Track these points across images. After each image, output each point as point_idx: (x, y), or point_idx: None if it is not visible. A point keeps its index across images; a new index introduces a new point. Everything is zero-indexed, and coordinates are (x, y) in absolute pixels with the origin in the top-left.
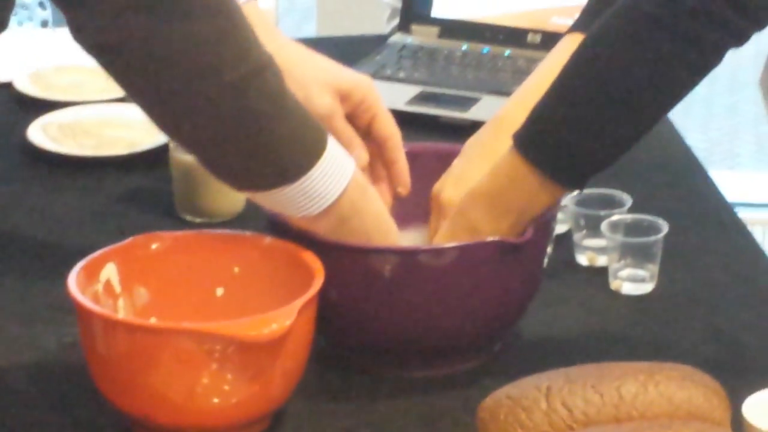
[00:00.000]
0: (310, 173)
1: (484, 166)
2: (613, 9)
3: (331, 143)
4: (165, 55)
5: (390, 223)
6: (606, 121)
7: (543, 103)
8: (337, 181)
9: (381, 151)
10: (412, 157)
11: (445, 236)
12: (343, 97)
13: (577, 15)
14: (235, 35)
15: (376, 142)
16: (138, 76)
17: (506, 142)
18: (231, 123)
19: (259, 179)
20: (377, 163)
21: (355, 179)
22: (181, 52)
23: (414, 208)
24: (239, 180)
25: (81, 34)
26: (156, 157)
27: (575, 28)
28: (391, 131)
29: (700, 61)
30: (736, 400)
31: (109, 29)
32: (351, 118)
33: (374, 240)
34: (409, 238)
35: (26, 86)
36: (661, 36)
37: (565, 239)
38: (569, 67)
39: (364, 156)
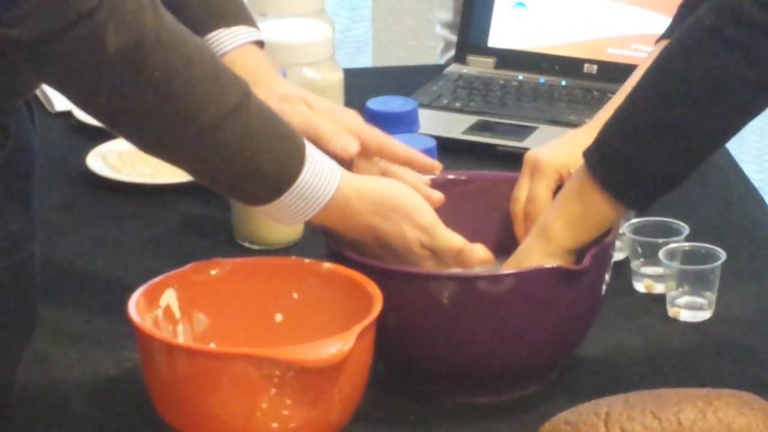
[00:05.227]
0: (300, 178)
1: (584, 142)
2: (673, 32)
3: (310, 147)
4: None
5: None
6: (669, 140)
7: (610, 121)
8: (329, 171)
9: (378, 150)
10: (469, 184)
11: (527, 245)
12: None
13: (633, 45)
14: (212, 76)
15: (362, 148)
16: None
17: None
18: (213, 159)
19: (254, 198)
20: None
21: (344, 170)
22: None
23: (475, 236)
24: (242, 200)
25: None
26: None
27: (665, 36)
28: (363, 126)
29: (762, 76)
30: None
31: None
32: None
33: (385, 213)
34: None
35: (85, 114)
36: (721, 50)
37: (623, 266)
38: (636, 87)
39: (353, 143)
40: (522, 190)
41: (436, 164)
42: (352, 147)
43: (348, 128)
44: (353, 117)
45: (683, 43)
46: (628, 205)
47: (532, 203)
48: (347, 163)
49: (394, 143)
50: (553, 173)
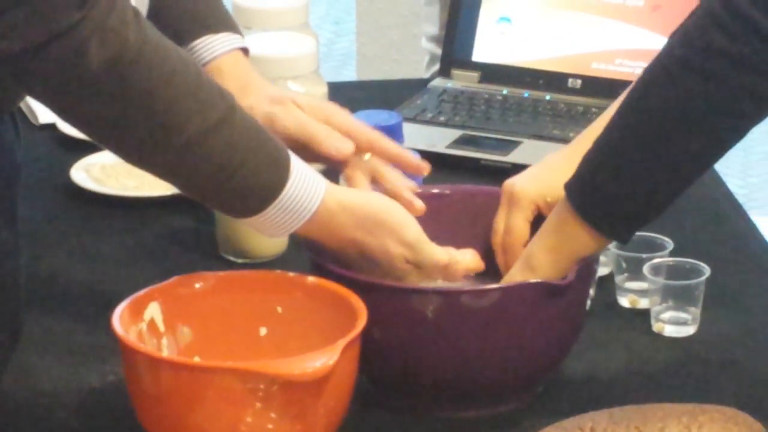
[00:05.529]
0: (284, 192)
1: (561, 170)
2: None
3: (295, 159)
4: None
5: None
6: (646, 173)
7: (590, 153)
8: (314, 184)
9: (368, 146)
10: (452, 198)
11: (511, 275)
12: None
13: (617, 60)
14: (196, 89)
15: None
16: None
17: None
18: (198, 171)
19: (238, 210)
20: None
21: (328, 183)
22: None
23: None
24: (227, 212)
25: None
26: None
27: None
28: (354, 123)
29: (733, 106)
30: None
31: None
32: None
33: (369, 228)
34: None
35: (69, 127)
36: (692, 81)
37: (607, 281)
38: (613, 119)
39: (347, 144)
40: (500, 222)
41: (424, 165)
42: (346, 148)
43: (339, 124)
44: (343, 114)
45: (656, 73)
46: (608, 237)
47: (509, 235)
48: (341, 162)
49: (384, 141)
50: (530, 204)
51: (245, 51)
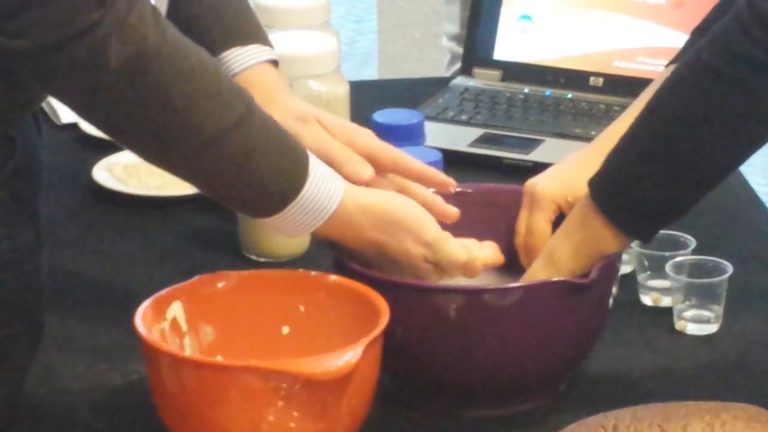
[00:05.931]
0: (302, 193)
1: (582, 170)
2: (681, 60)
3: (314, 160)
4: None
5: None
6: (671, 174)
7: (614, 152)
8: (332, 185)
9: (393, 167)
10: (474, 197)
11: (533, 270)
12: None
13: (639, 58)
14: (215, 89)
15: (377, 165)
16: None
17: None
18: (216, 171)
19: (257, 210)
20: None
21: (347, 183)
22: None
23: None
24: (246, 212)
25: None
26: None
27: (676, 61)
28: (378, 144)
29: (759, 111)
30: None
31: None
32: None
33: (388, 229)
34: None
35: (92, 127)
36: (719, 87)
37: (630, 279)
38: (638, 118)
39: (366, 169)
40: (522, 223)
41: (451, 181)
42: (365, 173)
43: (363, 146)
44: (368, 135)
45: (683, 78)
46: (631, 235)
47: (531, 236)
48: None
49: (409, 160)
50: (551, 205)
51: (275, 63)
